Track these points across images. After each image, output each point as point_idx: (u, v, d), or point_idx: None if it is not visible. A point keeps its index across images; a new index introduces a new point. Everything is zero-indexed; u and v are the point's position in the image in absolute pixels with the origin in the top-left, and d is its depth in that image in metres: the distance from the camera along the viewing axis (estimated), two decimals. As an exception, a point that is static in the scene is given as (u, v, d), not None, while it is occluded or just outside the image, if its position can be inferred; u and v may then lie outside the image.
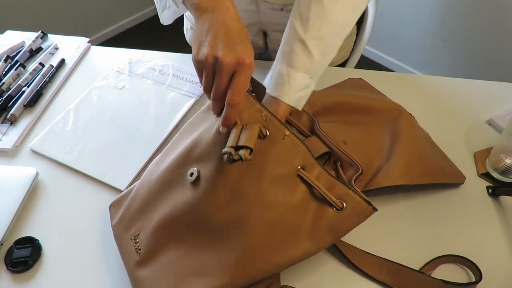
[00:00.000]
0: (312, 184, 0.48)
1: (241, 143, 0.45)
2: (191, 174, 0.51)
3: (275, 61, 0.60)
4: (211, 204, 0.49)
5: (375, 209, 0.47)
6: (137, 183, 0.59)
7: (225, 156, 0.45)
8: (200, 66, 0.47)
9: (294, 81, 0.56)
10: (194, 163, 0.51)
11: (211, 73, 0.46)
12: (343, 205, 0.47)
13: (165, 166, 0.55)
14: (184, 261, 0.49)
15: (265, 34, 0.88)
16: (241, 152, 0.44)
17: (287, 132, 0.50)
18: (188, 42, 0.94)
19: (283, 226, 0.47)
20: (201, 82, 0.49)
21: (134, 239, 0.53)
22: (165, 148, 0.61)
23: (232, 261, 0.47)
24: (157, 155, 0.61)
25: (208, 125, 0.53)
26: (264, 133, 0.49)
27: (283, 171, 0.49)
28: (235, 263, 0.47)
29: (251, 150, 0.45)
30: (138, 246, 0.52)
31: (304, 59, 0.56)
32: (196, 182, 0.50)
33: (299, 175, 0.49)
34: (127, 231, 0.55)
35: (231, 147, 0.45)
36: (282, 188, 0.49)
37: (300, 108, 0.59)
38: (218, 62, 0.45)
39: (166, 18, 0.61)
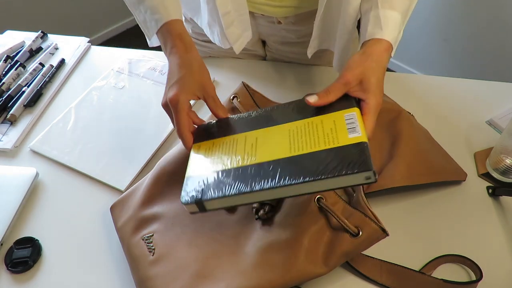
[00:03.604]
0: (332, 213, 0.50)
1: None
2: None
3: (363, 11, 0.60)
4: (243, 230, 0.54)
5: (387, 234, 0.48)
6: (143, 186, 0.59)
7: (254, 210, 0.54)
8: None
9: (386, 18, 0.56)
10: None
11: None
12: (359, 232, 0.48)
13: None
14: (201, 265, 0.51)
15: (264, 42, 0.89)
16: (260, 213, 0.53)
17: None
18: None
19: (301, 247, 0.49)
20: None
21: (146, 240, 0.54)
22: (182, 152, 0.60)
23: (249, 274, 0.49)
24: (161, 155, 0.61)
25: None
26: None
27: (302, 200, 0.53)
28: (251, 275, 0.49)
29: (272, 206, 0.53)
30: (152, 246, 0.53)
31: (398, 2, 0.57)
32: (231, 211, 0.56)
33: (319, 204, 0.51)
34: (137, 232, 0.55)
35: (259, 203, 0.54)
36: (302, 213, 0.52)
37: (392, 53, 0.59)
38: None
39: (152, 42, 0.68)
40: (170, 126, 0.73)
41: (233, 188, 0.46)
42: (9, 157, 0.70)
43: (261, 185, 0.45)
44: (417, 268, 0.54)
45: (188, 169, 0.51)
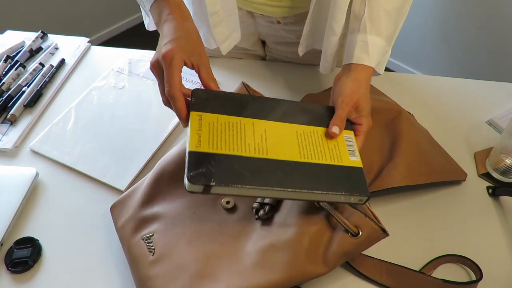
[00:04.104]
0: (332, 213, 0.50)
1: (266, 199, 0.53)
2: (227, 202, 0.55)
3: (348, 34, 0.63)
4: (243, 229, 0.53)
5: (387, 234, 0.48)
6: (143, 186, 0.59)
7: (254, 210, 0.54)
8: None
9: (374, 45, 0.59)
10: None
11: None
12: (359, 232, 0.48)
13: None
14: (201, 265, 0.51)
15: (263, 43, 0.89)
16: (260, 213, 0.53)
17: None
18: None
19: (301, 248, 0.49)
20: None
21: (146, 240, 0.54)
22: (181, 154, 0.60)
23: (249, 274, 0.49)
24: (161, 155, 0.61)
25: None
26: None
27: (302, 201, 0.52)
28: (251, 276, 0.48)
29: (272, 206, 0.53)
30: (152, 246, 0.53)
31: (381, 26, 0.60)
32: (231, 210, 0.55)
33: (318, 205, 0.51)
34: (137, 232, 0.55)
35: (259, 203, 0.53)
36: (302, 213, 0.51)
37: (381, 72, 0.63)
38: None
39: (149, 25, 0.66)
40: (170, 126, 0.73)
41: (251, 181, 0.44)
42: (9, 157, 0.70)
43: (279, 185, 0.45)
44: (417, 268, 0.54)
45: (191, 141, 0.45)
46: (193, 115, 0.49)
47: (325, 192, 0.46)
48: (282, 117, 0.53)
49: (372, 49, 0.59)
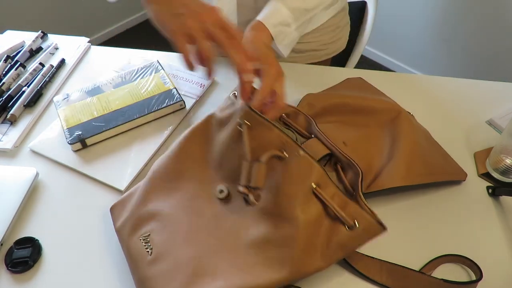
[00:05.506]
0: (327, 203, 0.50)
1: (252, 182, 0.52)
2: (221, 192, 0.55)
3: None
4: (240, 221, 0.53)
5: (385, 229, 0.48)
6: (141, 187, 0.59)
7: (243, 195, 0.53)
8: (187, 34, 0.54)
9: (275, 9, 0.68)
10: (222, 181, 0.56)
11: (202, 36, 0.54)
12: (355, 224, 0.48)
13: (185, 177, 0.58)
14: (198, 263, 0.50)
15: None
16: (251, 198, 0.52)
17: (301, 153, 0.52)
18: None
19: (298, 241, 0.49)
20: (183, 50, 0.55)
21: (144, 239, 0.54)
22: (173, 149, 0.60)
23: (247, 270, 0.49)
24: (161, 155, 0.61)
25: (227, 138, 0.57)
26: (283, 156, 0.53)
27: (298, 188, 0.51)
28: (249, 271, 0.48)
29: (256, 188, 0.52)
30: (150, 246, 0.53)
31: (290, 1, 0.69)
32: (226, 200, 0.55)
33: (314, 193, 0.51)
34: (135, 232, 0.55)
35: (245, 187, 0.52)
36: (298, 204, 0.51)
37: (277, 42, 0.70)
38: (206, 25, 0.54)
39: None
40: (170, 126, 0.73)
41: (106, 126, 0.70)
42: (9, 157, 0.70)
43: (122, 121, 0.71)
44: (417, 268, 0.54)
45: (63, 123, 0.71)
46: (60, 112, 0.73)
47: (152, 111, 0.73)
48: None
49: (271, 12, 0.67)
